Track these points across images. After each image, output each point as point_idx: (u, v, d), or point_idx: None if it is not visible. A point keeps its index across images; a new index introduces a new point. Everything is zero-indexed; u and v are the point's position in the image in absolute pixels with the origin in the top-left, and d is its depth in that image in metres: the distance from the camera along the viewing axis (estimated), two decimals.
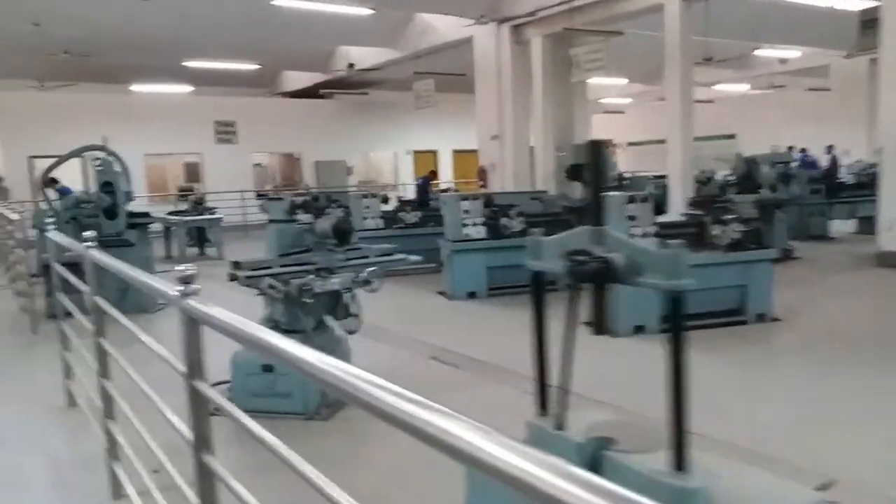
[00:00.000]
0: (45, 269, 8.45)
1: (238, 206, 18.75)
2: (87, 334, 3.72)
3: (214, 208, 15.34)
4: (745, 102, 27.17)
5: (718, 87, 21.91)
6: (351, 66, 16.51)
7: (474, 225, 8.14)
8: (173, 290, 1.84)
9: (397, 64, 17.16)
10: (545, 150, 14.77)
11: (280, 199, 4.57)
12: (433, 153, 25.27)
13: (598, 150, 10.92)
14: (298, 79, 21.76)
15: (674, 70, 11.81)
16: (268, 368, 4.50)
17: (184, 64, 15.04)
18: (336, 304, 4.52)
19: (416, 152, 24.95)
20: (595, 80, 17.93)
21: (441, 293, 8.68)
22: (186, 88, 18.24)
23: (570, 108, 15.57)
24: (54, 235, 4.66)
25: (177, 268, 1.84)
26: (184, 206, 17.08)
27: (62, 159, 8.18)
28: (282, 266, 4.27)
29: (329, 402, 4.45)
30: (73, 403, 4.91)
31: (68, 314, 8.26)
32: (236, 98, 21.22)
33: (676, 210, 12.17)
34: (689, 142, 11.97)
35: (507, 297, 8.23)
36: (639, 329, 6.28)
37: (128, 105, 18.66)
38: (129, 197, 8.43)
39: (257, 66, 16.24)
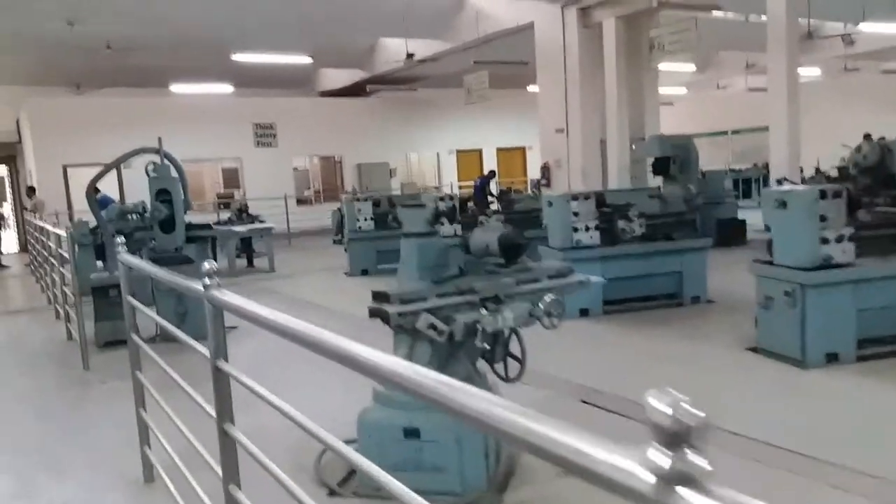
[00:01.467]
0: (95, 292, 7.46)
1: (280, 213, 17.69)
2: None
3: (259, 216, 14.34)
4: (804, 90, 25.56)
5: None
6: (410, 56, 15.39)
7: (587, 229, 6.94)
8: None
9: (454, 53, 16.00)
10: (619, 143, 13.52)
11: (420, 205, 3.38)
12: (478, 152, 24.08)
13: (687, 143, 9.52)
14: (338, 77, 20.74)
15: (778, 52, 10.52)
16: (412, 433, 3.37)
17: (233, 57, 14.05)
18: (494, 344, 3.37)
19: (458, 152, 23.78)
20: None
21: None
22: (228, 88, 17.26)
23: (641, 98, 14.33)
24: (125, 256, 3.57)
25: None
26: (226, 215, 16.19)
27: (112, 165, 7.16)
28: (438, 295, 3.12)
29: (499, 479, 3.31)
30: (151, 478, 3.82)
31: (119, 342, 7.30)
32: (276, 99, 20.26)
33: None
34: (797, 131, 10.65)
35: (627, 316, 7.04)
36: (832, 357, 5.03)
37: (165, 108, 17.71)
38: (187, 206, 7.39)
39: (309, 60, 15.21)
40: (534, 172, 23.00)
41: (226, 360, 2.16)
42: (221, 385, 2.15)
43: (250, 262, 13.49)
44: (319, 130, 20.62)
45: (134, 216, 10.10)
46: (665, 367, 5.43)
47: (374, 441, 3.43)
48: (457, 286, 3.18)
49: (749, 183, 20.56)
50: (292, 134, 20.37)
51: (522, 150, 24.58)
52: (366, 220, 11.21)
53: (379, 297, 3.09)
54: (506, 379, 3.55)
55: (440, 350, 3.24)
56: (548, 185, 14.80)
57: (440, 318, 3.01)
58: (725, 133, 27.60)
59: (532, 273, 3.39)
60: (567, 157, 14.38)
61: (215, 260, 10.02)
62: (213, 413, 2.20)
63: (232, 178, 20.38)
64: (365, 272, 11.26)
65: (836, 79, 22.17)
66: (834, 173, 13.63)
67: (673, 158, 11.71)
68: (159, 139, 7.14)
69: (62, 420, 5.06)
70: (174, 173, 7.32)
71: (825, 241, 4.86)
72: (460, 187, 22.76)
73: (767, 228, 5.33)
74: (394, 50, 18.09)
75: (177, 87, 17.16)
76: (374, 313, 3.06)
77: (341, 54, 17.91)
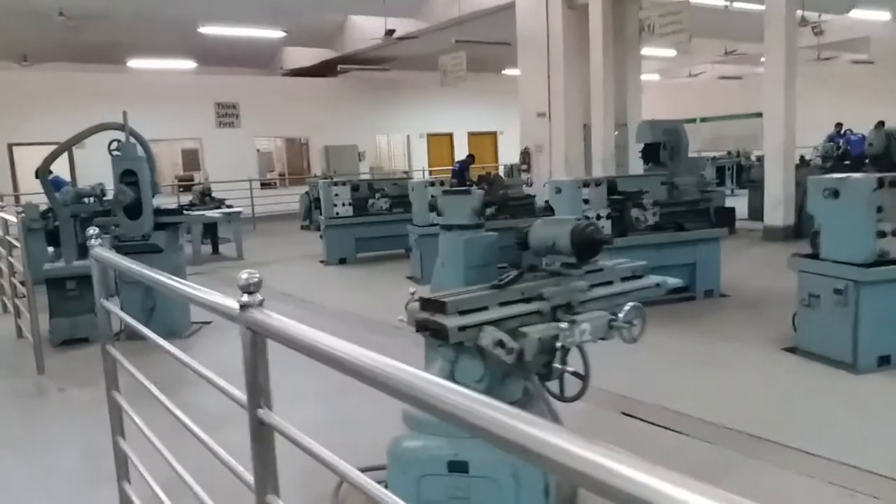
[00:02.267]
0: (50, 284, 6.65)
1: (243, 197, 16.74)
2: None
3: (224, 200, 13.49)
4: None
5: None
6: (390, 32, 14.64)
7: (598, 218, 6.42)
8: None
9: (432, 32, 15.30)
10: (605, 128, 13.06)
11: (464, 191, 2.77)
12: (449, 136, 23.43)
13: (678, 128, 8.95)
14: (303, 56, 19.79)
15: (776, 32, 10.15)
16: (458, 467, 2.80)
17: (200, 30, 13.04)
18: (551, 359, 2.80)
19: (429, 135, 23.08)
20: None
21: None
22: (190, 65, 16.17)
23: (624, 83, 13.90)
24: (100, 251, 2.87)
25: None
26: (186, 199, 15.22)
27: (72, 141, 6.32)
28: (501, 303, 2.54)
29: None
30: None
31: (81, 340, 6.50)
32: (239, 77, 19.25)
33: (776, 193, 10.59)
34: (793, 116, 10.35)
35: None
36: (884, 361, 4.62)
37: (121, 84, 16.56)
38: (155, 190, 6.61)
39: (281, 34, 14.28)
40: (506, 157, 22.53)
41: (270, 408, 1.53)
42: (264, 445, 1.52)
43: (215, 249, 12.66)
44: (285, 111, 19.69)
45: (91, 199, 9.27)
46: (703, 372, 4.96)
47: (411, 476, 2.84)
48: (522, 292, 2.59)
49: (723, 171, 20.42)
50: (256, 114, 19.41)
51: (494, 134, 24.05)
52: (344, 205, 10.52)
53: (430, 305, 2.48)
54: (562, 398, 2.99)
55: (494, 368, 2.65)
56: (527, 170, 14.29)
57: (506, 332, 2.42)
58: (695, 121, 27.57)
59: (604, 274, 2.83)
60: (549, 142, 13.89)
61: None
62: (251, 482, 1.57)
63: (191, 159, 19.33)
64: (343, 261, 10.59)
65: (810, 68, 22.16)
66: (818, 162, 13.49)
67: (663, 144, 11.28)
68: (124, 114, 6.34)
69: (11, 443, 4.29)
70: (141, 152, 6.53)
71: (882, 234, 4.43)
72: (430, 172, 22.12)
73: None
74: (363, 28, 17.29)
75: (136, 63, 16.02)
76: (425, 326, 2.45)
77: (309, 32, 17.02)
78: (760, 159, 14.60)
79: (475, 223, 2.96)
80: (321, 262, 10.85)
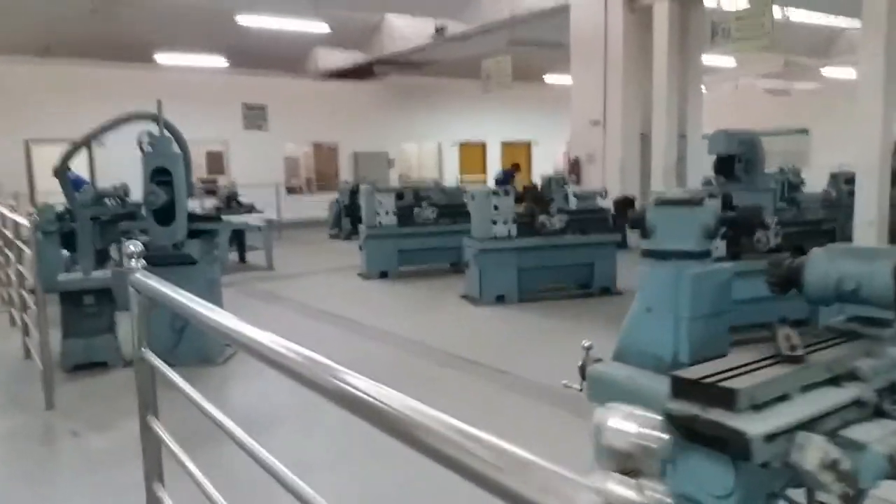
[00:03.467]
0: (65, 298, 5.71)
1: (268, 203, 15.74)
2: None
3: (254, 205, 12.56)
4: (821, 94, 24.53)
5: (826, 70, 19.12)
6: (439, 30, 13.76)
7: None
8: None
9: (478, 35, 14.40)
10: (667, 138, 12.04)
11: (689, 202, 1.72)
12: (482, 146, 22.48)
13: (754, 139, 7.71)
14: (335, 59, 18.90)
15: (875, 46, 9.12)
16: None
17: (238, 19, 12.16)
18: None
19: (461, 144, 22.13)
20: None
21: None
22: (221, 62, 15.27)
23: (685, 91, 12.92)
24: (141, 278, 1.92)
25: None
26: (209, 203, 14.34)
27: (93, 134, 5.40)
28: (802, 387, 1.53)
29: None
30: None
31: (92, 365, 5.54)
32: (268, 78, 18.41)
33: (867, 212, 9.51)
34: (890, 127, 9.29)
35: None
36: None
37: (145, 81, 15.69)
38: (190, 191, 5.67)
39: (325, 28, 13.35)
40: (540, 168, 21.53)
41: None
42: None
43: (242, 258, 11.74)
44: (314, 115, 18.84)
45: (113, 201, 8.36)
46: None
47: None
48: (828, 367, 1.58)
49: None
50: (285, 117, 18.55)
51: (528, 144, 23.10)
52: (387, 213, 9.56)
53: (698, 391, 1.48)
54: None
55: (751, 476, 1.63)
56: (577, 181, 13.29)
57: (843, 439, 1.42)
58: None
59: None
60: (602, 152, 12.90)
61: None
62: None
63: (216, 162, 18.46)
64: (384, 275, 9.62)
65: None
66: None
67: (738, 157, 10.29)
68: (158, 103, 5.42)
69: None
70: (176, 148, 5.61)
71: None
72: (461, 181, 21.17)
73: None
74: (401, 30, 16.41)
75: (164, 58, 15.14)
76: (693, 429, 1.45)
77: (345, 31, 16.14)
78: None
79: (703, 250, 1.96)
80: (359, 275, 9.89)
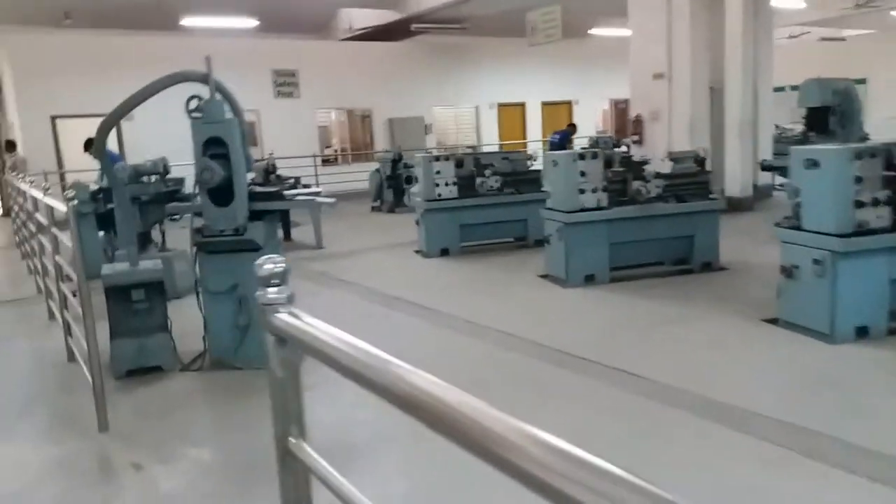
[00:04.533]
0: (110, 293, 4.96)
1: (305, 175, 14.91)
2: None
3: (298, 178, 11.73)
4: (879, 40, 22.91)
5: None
6: None
7: (870, 205, 4.51)
8: None
9: None
10: (743, 91, 10.97)
11: None
12: (521, 106, 21.38)
13: (850, 88, 6.42)
14: (365, 17, 17.82)
15: None
16: None
17: None
18: None
19: (500, 105, 21.02)
20: None
21: (770, 320, 5.12)
22: (251, 23, 14.32)
23: (756, 39, 11.79)
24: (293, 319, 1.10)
25: None
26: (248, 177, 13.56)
27: (134, 100, 4.57)
28: None
29: None
30: None
31: (147, 370, 4.74)
32: (298, 42, 17.44)
33: None
34: None
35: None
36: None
37: (172, 49, 14.77)
38: (248, 165, 4.85)
39: None
40: (582, 128, 20.40)
41: None
42: None
43: (287, 236, 10.97)
44: (346, 80, 17.85)
45: (153, 178, 7.58)
46: None
47: None
48: None
49: None
50: (316, 83, 17.60)
51: (569, 104, 21.96)
52: (447, 184, 8.68)
53: None
54: None
55: None
56: (639, 142, 12.28)
57: None
58: (783, 89, 25.02)
59: None
60: (668, 109, 11.84)
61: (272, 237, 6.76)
62: None
63: (248, 133, 17.61)
64: (445, 252, 8.79)
65: None
66: None
67: (832, 108, 9.24)
68: (207, 60, 4.58)
69: None
70: (230, 113, 4.78)
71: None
72: (501, 146, 20.14)
73: None
74: None
75: (190, 21, 14.23)
76: None
77: None
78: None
79: None
80: (417, 252, 9.08)
